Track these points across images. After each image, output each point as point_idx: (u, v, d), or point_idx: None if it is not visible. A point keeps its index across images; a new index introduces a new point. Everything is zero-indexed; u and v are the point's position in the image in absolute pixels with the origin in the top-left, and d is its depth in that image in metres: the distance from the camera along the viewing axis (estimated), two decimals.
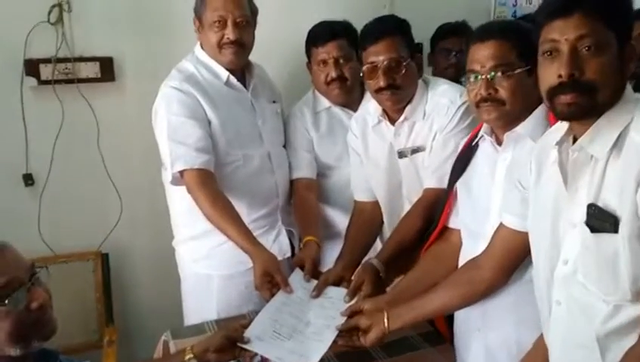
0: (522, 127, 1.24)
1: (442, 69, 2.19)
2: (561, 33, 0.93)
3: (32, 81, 2.02)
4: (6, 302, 0.93)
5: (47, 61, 2.01)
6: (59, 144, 2.05)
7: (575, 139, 0.99)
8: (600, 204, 0.93)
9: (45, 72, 2.02)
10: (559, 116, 0.98)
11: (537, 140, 1.16)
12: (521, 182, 1.14)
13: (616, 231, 0.91)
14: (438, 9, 2.07)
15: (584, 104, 0.93)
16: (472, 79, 1.24)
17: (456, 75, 2.06)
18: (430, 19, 2.14)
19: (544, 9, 0.98)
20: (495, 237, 1.22)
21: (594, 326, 0.96)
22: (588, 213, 0.95)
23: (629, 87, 0.98)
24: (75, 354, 1.86)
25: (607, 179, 0.93)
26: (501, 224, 1.20)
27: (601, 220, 0.93)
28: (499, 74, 1.20)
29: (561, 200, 1.00)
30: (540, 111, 1.24)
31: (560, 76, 0.93)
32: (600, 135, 0.94)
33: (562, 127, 1.03)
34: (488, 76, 1.21)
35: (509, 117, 1.23)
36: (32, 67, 2.01)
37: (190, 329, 1.59)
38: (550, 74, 0.95)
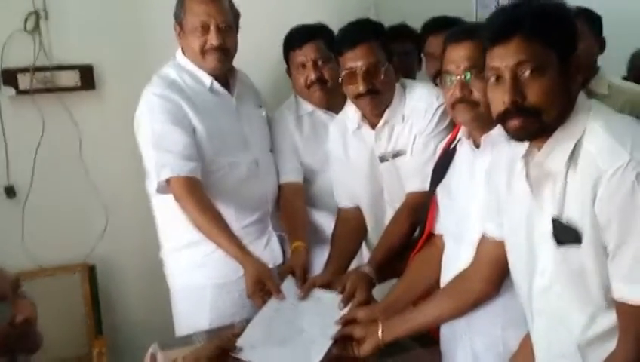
0: (498, 130, 1.21)
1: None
2: (501, 60, 0.95)
3: (9, 91, 1.99)
4: None
5: (25, 70, 1.97)
6: (40, 155, 2.02)
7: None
8: (564, 218, 0.95)
9: (23, 81, 1.98)
10: (512, 138, 1.00)
11: (507, 148, 1.16)
12: (497, 189, 1.15)
13: (579, 243, 0.93)
14: (422, 11, 2.08)
15: (531, 127, 0.96)
16: (447, 80, 1.23)
17: None
18: (414, 20, 2.14)
19: (485, 36, 0.99)
20: (479, 249, 1.22)
21: (574, 336, 0.98)
22: (553, 227, 0.97)
23: (581, 96, 0.99)
24: None
25: (568, 192, 0.95)
26: (483, 235, 1.20)
27: (564, 233, 0.95)
28: (473, 75, 1.20)
29: (532, 212, 1.02)
30: None
31: (504, 103, 0.95)
32: (555, 149, 0.96)
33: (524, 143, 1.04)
34: (463, 77, 1.21)
35: (484, 118, 1.22)
36: (9, 77, 1.97)
37: (179, 341, 1.58)
38: (497, 100, 0.98)
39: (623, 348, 0.93)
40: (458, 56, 1.21)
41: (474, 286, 1.23)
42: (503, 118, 0.97)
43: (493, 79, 0.97)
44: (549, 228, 0.97)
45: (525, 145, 1.02)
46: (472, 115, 1.22)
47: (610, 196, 0.89)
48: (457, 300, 1.25)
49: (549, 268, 1.00)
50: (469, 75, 1.20)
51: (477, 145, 1.29)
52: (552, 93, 0.94)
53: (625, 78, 2.27)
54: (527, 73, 0.93)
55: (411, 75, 2.08)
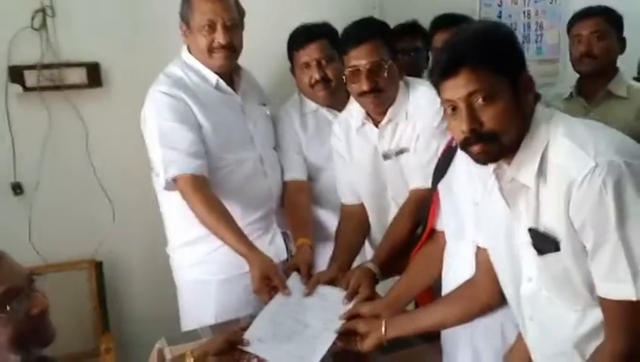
0: None
1: None
2: (453, 93, 0.98)
3: (17, 88, 1.99)
4: (7, 309, 0.95)
5: (32, 67, 1.98)
6: (47, 152, 2.03)
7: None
8: (541, 228, 0.98)
9: (30, 78, 1.99)
10: (477, 163, 1.03)
11: None
12: (475, 200, 1.17)
13: (558, 249, 0.96)
14: (425, 9, 2.08)
15: (492, 151, 0.99)
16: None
17: None
18: (419, 19, 2.14)
19: (433, 71, 1.02)
20: (476, 258, 1.23)
21: (568, 334, 1.01)
22: (531, 237, 1.00)
23: (538, 109, 1.02)
24: None
25: (542, 203, 0.98)
26: (477, 246, 1.21)
27: (543, 242, 0.98)
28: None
29: (510, 222, 1.05)
30: None
31: (463, 132, 0.98)
32: (523, 164, 0.99)
33: None
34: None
35: None
36: (16, 74, 1.98)
37: (185, 336, 1.60)
38: (456, 130, 1.01)
39: (610, 341, 0.96)
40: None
41: (480, 294, 1.23)
42: (464, 146, 1.01)
43: (449, 111, 1.01)
44: (528, 238, 1.00)
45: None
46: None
47: (581, 202, 0.92)
48: (463, 307, 1.26)
49: (535, 274, 1.03)
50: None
51: None
52: (506, 116, 0.97)
53: (636, 79, 2.26)
54: (479, 101, 0.97)
55: (421, 72, 2.08)
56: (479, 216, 1.15)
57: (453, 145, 1.36)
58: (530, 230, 0.99)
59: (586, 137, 0.95)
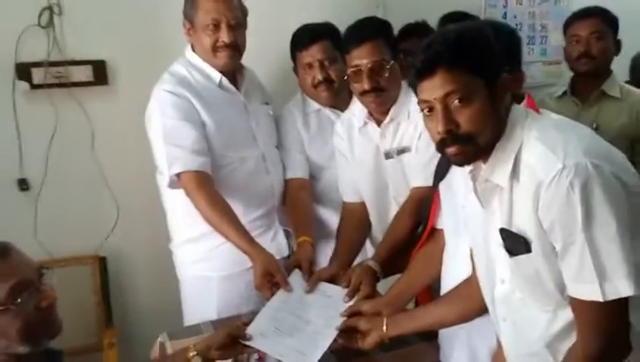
0: None
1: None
2: (429, 94, 0.99)
3: (24, 85, 2.01)
4: (18, 301, 0.97)
5: (39, 65, 2.00)
6: (53, 148, 2.05)
7: None
8: (514, 228, 0.99)
9: (37, 75, 2.01)
10: (454, 164, 1.04)
11: None
12: (457, 201, 1.19)
13: (529, 251, 0.97)
14: (429, 9, 2.08)
15: (468, 152, 1.00)
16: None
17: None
18: (421, 19, 2.14)
19: (411, 72, 1.02)
20: (472, 259, 1.23)
21: (540, 334, 1.02)
22: (502, 238, 1.01)
23: (514, 109, 1.02)
24: (76, 357, 1.88)
25: (515, 204, 0.99)
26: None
27: (514, 243, 0.99)
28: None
29: (484, 222, 1.06)
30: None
31: (439, 133, 0.98)
32: (498, 165, 1.00)
33: None
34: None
35: None
36: (23, 71, 2.00)
37: (187, 330, 1.61)
38: (432, 131, 1.02)
39: (582, 341, 0.97)
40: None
41: (477, 294, 1.22)
42: (441, 148, 1.01)
43: (426, 111, 1.01)
44: (500, 239, 1.01)
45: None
46: None
47: (549, 203, 0.92)
48: (463, 305, 1.27)
49: (507, 276, 1.04)
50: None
51: None
52: (482, 117, 0.97)
53: (627, 82, 2.25)
54: (455, 102, 0.97)
55: None
56: (465, 217, 1.16)
57: None
58: (502, 230, 1.00)
59: (556, 139, 0.96)
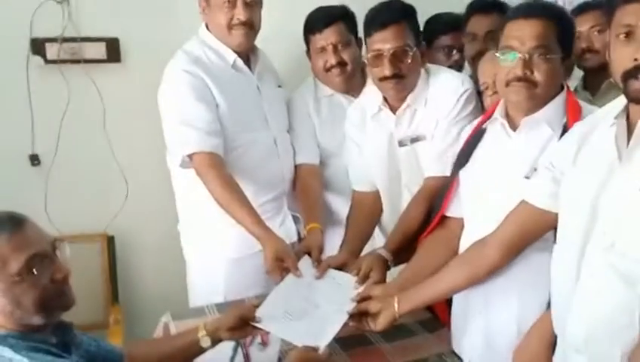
0: (542, 113, 1.23)
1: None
2: (637, 17, 0.93)
3: (38, 60, 2.01)
4: (34, 272, 0.98)
5: (53, 40, 2.00)
6: (65, 125, 2.05)
7: (628, 117, 1.00)
8: None
9: (51, 51, 2.01)
10: (632, 99, 0.97)
11: (555, 125, 1.20)
12: (552, 163, 1.13)
13: None
14: None
15: None
16: (508, 56, 1.20)
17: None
18: (442, 4, 2.09)
19: None
20: (511, 215, 1.19)
21: (634, 292, 0.95)
22: None
23: None
24: None
25: None
26: (522, 202, 1.17)
27: None
28: (537, 55, 1.18)
29: (610, 173, 0.99)
30: (559, 100, 1.24)
31: (636, 60, 0.93)
32: None
33: (615, 107, 1.04)
34: (527, 55, 1.18)
35: (538, 100, 1.21)
36: (38, 46, 2.00)
37: (191, 311, 1.61)
38: (625, 57, 0.94)
39: None
40: (525, 32, 1.19)
41: (488, 253, 1.21)
42: (629, 76, 0.94)
43: (622, 36, 0.94)
44: (638, 184, 0.94)
45: (613, 112, 1.01)
46: (528, 95, 1.20)
47: None
48: (470, 268, 1.24)
49: (613, 227, 0.97)
50: (532, 54, 1.17)
51: (512, 128, 1.27)
52: None
53: None
54: None
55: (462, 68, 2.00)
56: (570, 179, 1.09)
57: (483, 127, 1.33)
58: None
59: None
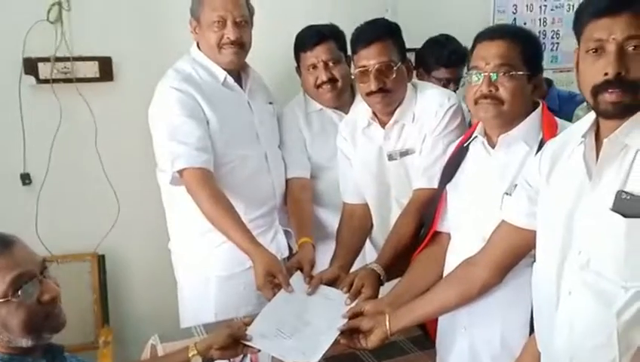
0: (517, 130, 1.27)
1: None
2: (608, 32, 0.94)
3: (30, 79, 2.02)
4: (19, 293, 0.97)
5: (45, 60, 2.01)
6: (57, 143, 2.05)
7: (597, 133, 1.01)
8: (628, 190, 0.94)
9: (44, 70, 2.01)
10: (603, 114, 0.98)
11: (531, 142, 1.24)
12: (528, 182, 1.15)
13: None
14: (439, 15, 2.07)
15: (628, 102, 0.94)
16: (474, 76, 1.25)
17: None
18: (431, 25, 2.14)
19: (590, 6, 0.98)
20: (494, 235, 1.21)
21: (610, 311, 0.95)
22: (617, 200, 0.95)
23: None
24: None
25: (635, 168, 0.94)
26: (503, 222, 1.20)
27: (634, 206, 0.93)
28: (502, 73, 1.22)
29: (581, 191, 1.00)
30: (534, 117, 1.27)
31: (606, 74, 0.94)
32: (636, 128, 0.95)
33: (584, 124, 1.05)
34: (491, 74, 1.23)
35: (506, 117, 1.25)
36: (30, 66, 2.01)
37: (179, 333, 1.59)
38: (595, 71, 0.95)
39: None
40: (489, 53, 1.24)
41: (480, 273, 1.22)
42: (598, 91, 0.95)
43: (592, 51, 0.96)
44: (606, 202, 0.95)
45: (582, 129, 1.02)
46: (494, 113, 1.24)
47: None
48: (463, 288, 1.25)
49: (588, 245, 0.98)
50: (496, 73, 1.22)
51: (491, 145, 1.30)
52: None
53: None
54: (631, 48, 0.92)
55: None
56: (544, 197, 1.10)
57: (465, 145, 1.36)
58: (620, 192, 0.94)
59: None
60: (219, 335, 1.25)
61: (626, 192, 0.94)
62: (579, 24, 1.00)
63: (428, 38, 2.15)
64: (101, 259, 2.14)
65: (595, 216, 0.97)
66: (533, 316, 1.12)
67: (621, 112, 0.96)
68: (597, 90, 0.96)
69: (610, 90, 0.94)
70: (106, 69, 2.08)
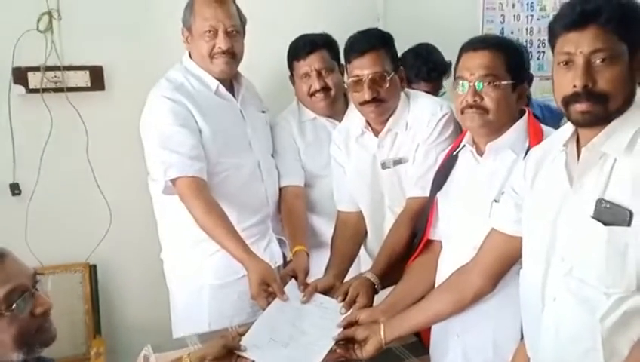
0: (504, 138, 1.29)
1: None
2: (576, 46, 0.97)
3: (20, 89, 2.01)
4: (13, 308, 0.96)
5: (35, 69, 2.00)
6: (47, 153, 2.03)
7: (578, 142, 1.03)
8: (607, 198, 0.96)
9: (34, 80, 2.00)
10: (575, 123, 1.02)
11: (517, 149, 1.26)
12: (514, 189, 1.17)
13: (629, 224, 0.93)
14: (429, 24, 2.10)
15: (597, 112, 0.97)
16: (459, 86, 1.27)
17: None
18: (421, 33, 2.16)
19: (559, 20, 1.01)
20: (485, 243, 1.23)
21: (594, 317, 0.97)
22: (597, 208, 0.97)
23: (639, 93, 1.01)
24: None
25: (614, 176, 0.96)
26: (493, 230, 1.22)
27: (614, 214, 0.95)
28: (486, 83, 1.25)
29: (563, 199, 1.02)
30: (520, 125, 1.30)
31: (575, 86, 0.97)
32: (614, 135, 0.98)
33: (565, 132, 1.07)
34: (476, 84, 1.25)
35: (492, 126, 1.27)
36: (20, 75, 1.99)
37: (172, 344, 1.58)
38: (565, 83, 0.99)
39: None
40: (473, 63, 1.26)
41: (473, 281, 1.24)
42: (569, 102, 0.98)
43: (562, 63, 0.99)
44: (587, 210, 0.97)
45: (564, 137, 1.05)
46: (481, 122, 1.26)
47: None
48: (456, 296, 1.26)
49: (571, 252, 1.00)
50: (481, 83, 1.24)
51: (480, 153, 1.32)
52: (620, 82, 0.96)
53: None
54: (599, 61, 0.95)
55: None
56: (529, 204, 1.12)
57: (454, 153, 1.38)
58: (600, 201, 0.96)
59: None
60: (213, 346, 1.25)
61: (606, 200, 0.96)
62: (552, 37, 1.03)
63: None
64: (93, 269, 2.13)
65: (576, 223, 1.00)
66: (522, 321, 1.14)
67: (591, 122, 0.99)
68: (567, 101, 0.99)
69: (579, 102, 0.97)
70: (97, 79, 2.07)
